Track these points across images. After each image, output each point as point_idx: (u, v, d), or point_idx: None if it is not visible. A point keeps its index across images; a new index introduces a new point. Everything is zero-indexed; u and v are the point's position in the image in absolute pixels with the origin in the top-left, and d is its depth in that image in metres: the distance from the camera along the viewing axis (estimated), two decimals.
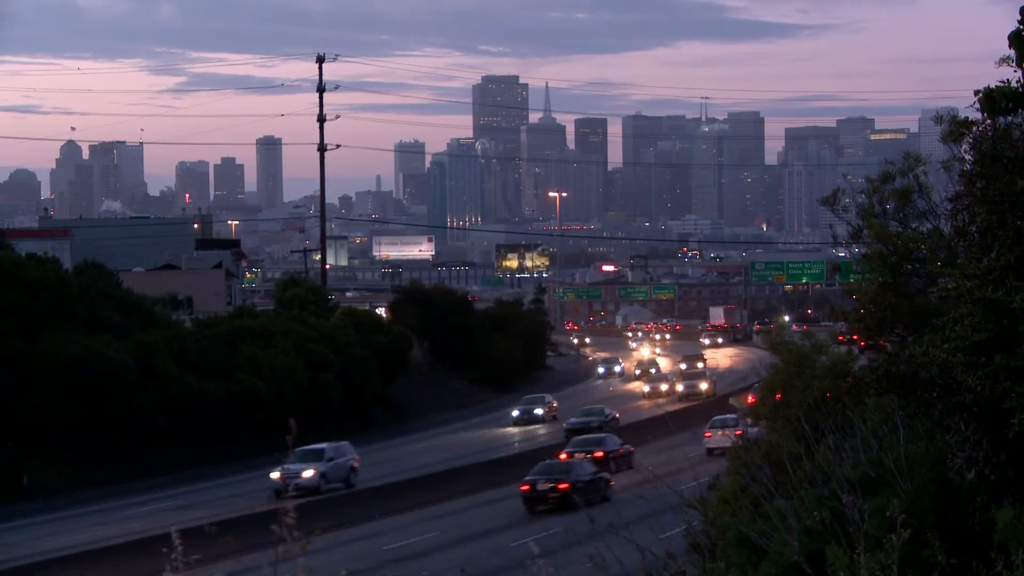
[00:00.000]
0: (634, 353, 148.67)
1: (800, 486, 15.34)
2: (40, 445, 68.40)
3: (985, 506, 12.94)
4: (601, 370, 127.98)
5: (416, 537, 46.82)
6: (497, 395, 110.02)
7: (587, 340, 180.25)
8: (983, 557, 11.79)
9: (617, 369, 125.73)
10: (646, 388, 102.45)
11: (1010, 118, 14.96)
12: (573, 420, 78.08)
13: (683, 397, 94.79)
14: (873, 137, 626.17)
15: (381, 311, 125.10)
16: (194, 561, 8.52)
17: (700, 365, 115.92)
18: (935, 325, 15.15)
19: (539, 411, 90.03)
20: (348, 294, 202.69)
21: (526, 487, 50.51)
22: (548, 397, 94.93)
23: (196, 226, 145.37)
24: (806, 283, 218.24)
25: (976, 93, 13.40)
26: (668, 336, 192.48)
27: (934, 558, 11.93)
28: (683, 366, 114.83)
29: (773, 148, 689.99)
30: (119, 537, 49.19)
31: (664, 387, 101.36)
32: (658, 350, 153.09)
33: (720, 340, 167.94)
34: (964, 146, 17.93)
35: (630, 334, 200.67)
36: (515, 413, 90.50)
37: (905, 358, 17.81)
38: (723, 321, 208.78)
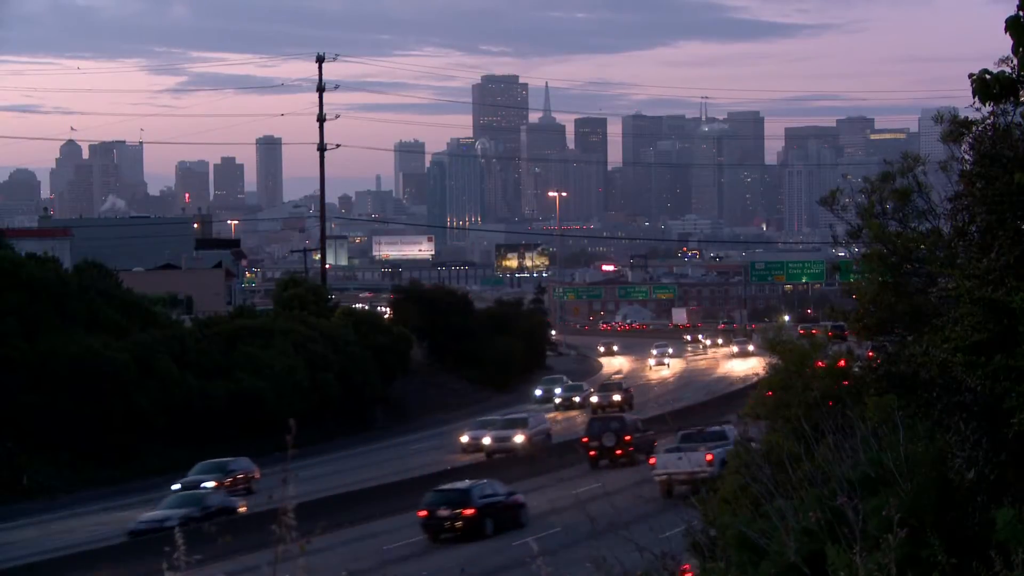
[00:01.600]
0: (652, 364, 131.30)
1: (800, 486, 15.34)
2: (40, 445, 68.40)
3: (985, 506, 12.94)
4: (538, 392, 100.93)
5: (416, 537, 46.81)
6: (497, 395, 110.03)
7: (615, 347, 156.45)
8: (983, 557, 11.79)
9: (557, 391, 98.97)
10: (464, 438, 74.47)
11: (1010, 118, 14.96)
12: (147, 517, 50.40)
13: (490, 454, 69.37)
14: (873, 137, 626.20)
15: (382, 311, 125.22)
16: (195, 561, 8.52)
17: (616, 398, 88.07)
18: (935, 325, 15.15)
19: (209, 484, 57.49)
20: (360, 295, 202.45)
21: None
22: (241, 463, 62.74)
23: (196, 226, 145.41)
24: (806, 283, 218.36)
25: (970, 76, 13.42)
26: (720, 341, 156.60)
27: (934, 558, 11.93)
28: (594, 399, 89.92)
29: (773, 148, 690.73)
30: (119, 537, 49.20)
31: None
32: (668, 363, 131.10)
33: (751, 348, 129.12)
34: (964, 146, 17.94)
35: (693, 338, 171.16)
36: (174, 487, 58.40)
37: (905, 358, 17.82)
38: (686, 321, 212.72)
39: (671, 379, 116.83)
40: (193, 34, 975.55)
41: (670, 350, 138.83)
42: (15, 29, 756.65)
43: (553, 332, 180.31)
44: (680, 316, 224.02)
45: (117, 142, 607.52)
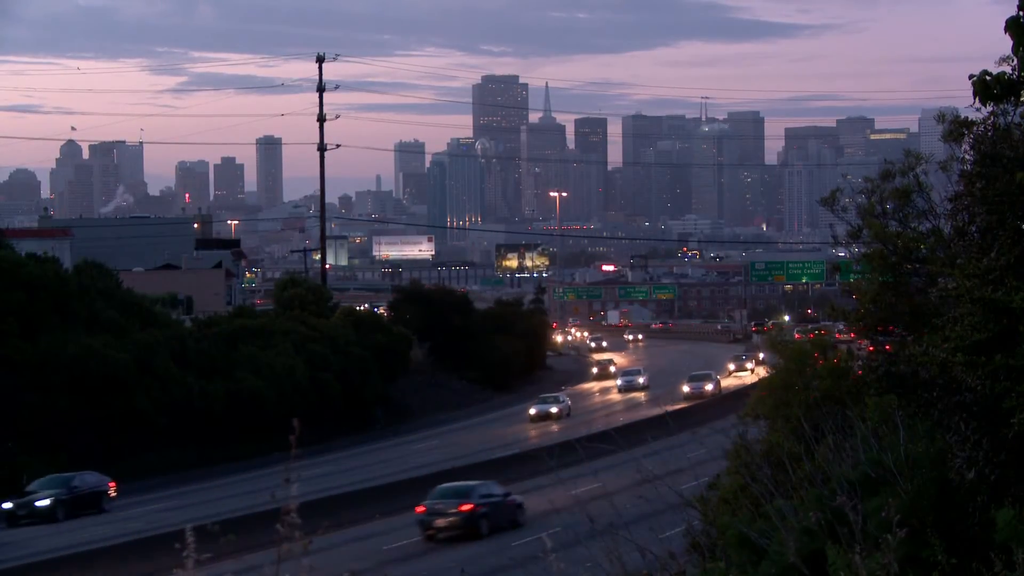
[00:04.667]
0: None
1: (800, 486, 15.34)
2: (40, 445, 68.36)
3: (985, 506, 12.94)
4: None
5: (416, 537, 46.82)
6: (497, 395, 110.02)
7: (611, 369, 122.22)
8: (983, 557, 11.79)
9: None
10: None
11: (1010, 118, 14.97)
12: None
13: None
14: (873, 137, 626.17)
15: (381, 311, 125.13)
16: (204, 559, 8.54)
17: None
18: (935, 325, 15.15)
19: (45, 502, 56.49)
20: (361, 295, 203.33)
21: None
22: (87, 478, 59.23)
23: (196, 226, 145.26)
24: (806, 283, 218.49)
25: (971, 78, 13.43)
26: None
27: (934, 558, 11.93)
28: None
29: (773, 148, 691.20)
30: (119, 537, 49.19)
31: None
32: (559, 410, 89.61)
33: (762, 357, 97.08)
34: (964, 146, 17.96)
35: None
36: (6, 505, 58.07)
37: (905, 358, 17.82)
38: (621, 322, 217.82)
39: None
40: (194, 34, 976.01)
41: (640, 380, 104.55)
42: (16, 28, 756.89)
43: (571, 335, 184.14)
44: (615, 318, 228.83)
45: (117, 142, 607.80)
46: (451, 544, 45.58)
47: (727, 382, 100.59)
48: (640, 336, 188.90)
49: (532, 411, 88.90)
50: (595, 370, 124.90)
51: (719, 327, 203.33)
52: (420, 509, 46.38)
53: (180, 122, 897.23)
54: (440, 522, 45.55)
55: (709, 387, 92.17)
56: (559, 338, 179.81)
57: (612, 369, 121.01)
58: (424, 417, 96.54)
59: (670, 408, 74.40)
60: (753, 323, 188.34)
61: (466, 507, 45.56)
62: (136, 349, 74.89)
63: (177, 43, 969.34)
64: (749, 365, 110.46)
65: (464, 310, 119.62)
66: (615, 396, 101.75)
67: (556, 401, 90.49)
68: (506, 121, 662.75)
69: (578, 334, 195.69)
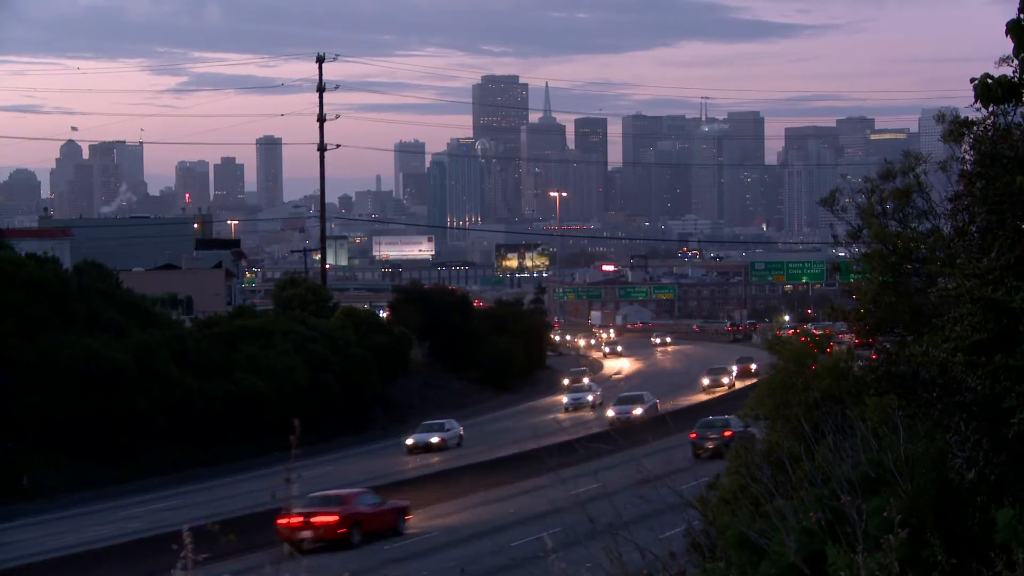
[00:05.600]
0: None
1: (800, 486, 15.33)
2: (40, 445, 68.38)
3: (985, 506, 12.94)
4: None
5: (417, 537, 46.86)
6: (497, 395, 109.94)
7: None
8: (983, 557, 11.79)
9: None
10: None
11: (1010, 118, 14.97)
12: None
13: None
14: (873, 137, 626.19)
15: (381, 311, 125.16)
16: (202, 559, 8.54)
17: None
18: (935, 325, 15.15)
19: None
20: (361, 295, 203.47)
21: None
22: None
23: (196, 226, 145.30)
24: (806, 283, 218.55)
25: (972, 81, 13.40)
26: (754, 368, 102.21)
27: (934, 558, 11.93)
28: None
29: (773, 148, 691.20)
30: (119, 537, 49.18)
31: None
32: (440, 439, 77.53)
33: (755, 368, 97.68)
34: (964, 146, 17.95)
35: None
36: None
37: (905, 358, 17.82)
38: (600, 323, 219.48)
39: None
40: (194, 34, 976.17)
41: (589, 398, 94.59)
42: (16, 28, 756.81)
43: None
44: (597, 319, 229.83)
45: (117, 142, 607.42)
46: (452, 544, 45.68)
47: (701, 397, 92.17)
48: (668, 339, 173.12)
49: (409, 441, 76.57)
50: (567, 381, 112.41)
51: (695, 327, 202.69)
52: (693, 435, 62.52)
53: (180, 122, 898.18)
54: (708, 444, 61.36)
55: (639, 411, 79.17)
56: (581, 341, 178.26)
57: (585, 381, 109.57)
58: (424, 417, 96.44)
59: (586, 433, 68.56)
60: (730, 323, 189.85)
61: (728, 433, 60.03)
62: (136, 349, 74.87)
63: (177, 43, 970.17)
64: (726, 380, 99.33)
65: (464, 310, 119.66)
66: (561, 415, 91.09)
67: (440, 429, 77.91)
68: (506, 121, 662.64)
69: (604, 335, 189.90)
